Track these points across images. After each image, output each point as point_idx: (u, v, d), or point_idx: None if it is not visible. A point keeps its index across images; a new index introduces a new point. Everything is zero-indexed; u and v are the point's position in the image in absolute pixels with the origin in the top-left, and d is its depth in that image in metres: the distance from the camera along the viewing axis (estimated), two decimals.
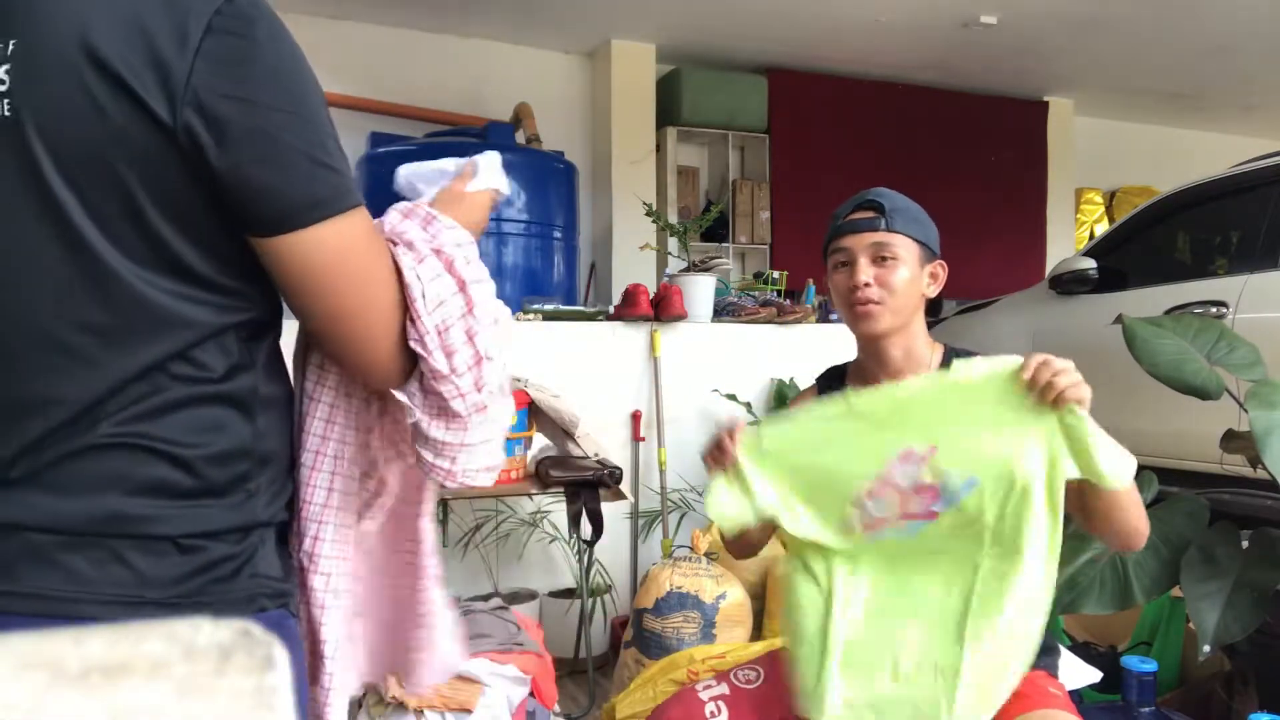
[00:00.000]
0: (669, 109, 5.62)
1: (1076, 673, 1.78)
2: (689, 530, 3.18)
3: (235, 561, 0.76)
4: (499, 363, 0.86)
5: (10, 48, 0.67)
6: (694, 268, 3.57)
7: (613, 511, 3.04)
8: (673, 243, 3.96)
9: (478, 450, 0.88)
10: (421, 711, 1.84)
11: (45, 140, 0.67)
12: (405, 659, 1.00)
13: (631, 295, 3.35)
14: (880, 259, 1.45)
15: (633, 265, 5.20)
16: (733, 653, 2.29)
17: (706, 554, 2.77)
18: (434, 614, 0.99)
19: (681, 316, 3.36)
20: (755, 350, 3.55)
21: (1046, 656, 1.48)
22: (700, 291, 3.46)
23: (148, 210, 0.70)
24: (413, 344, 0.80)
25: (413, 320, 0.80)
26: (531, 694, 1.97)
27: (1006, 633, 1.21)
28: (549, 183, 4.59)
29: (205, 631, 0.31)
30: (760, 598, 2.86)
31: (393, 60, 5.11)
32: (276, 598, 0.81)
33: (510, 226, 4.39)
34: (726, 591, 2.64)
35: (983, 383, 1.22)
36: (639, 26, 5.25)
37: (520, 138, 4.88)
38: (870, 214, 1.47)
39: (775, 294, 3.99)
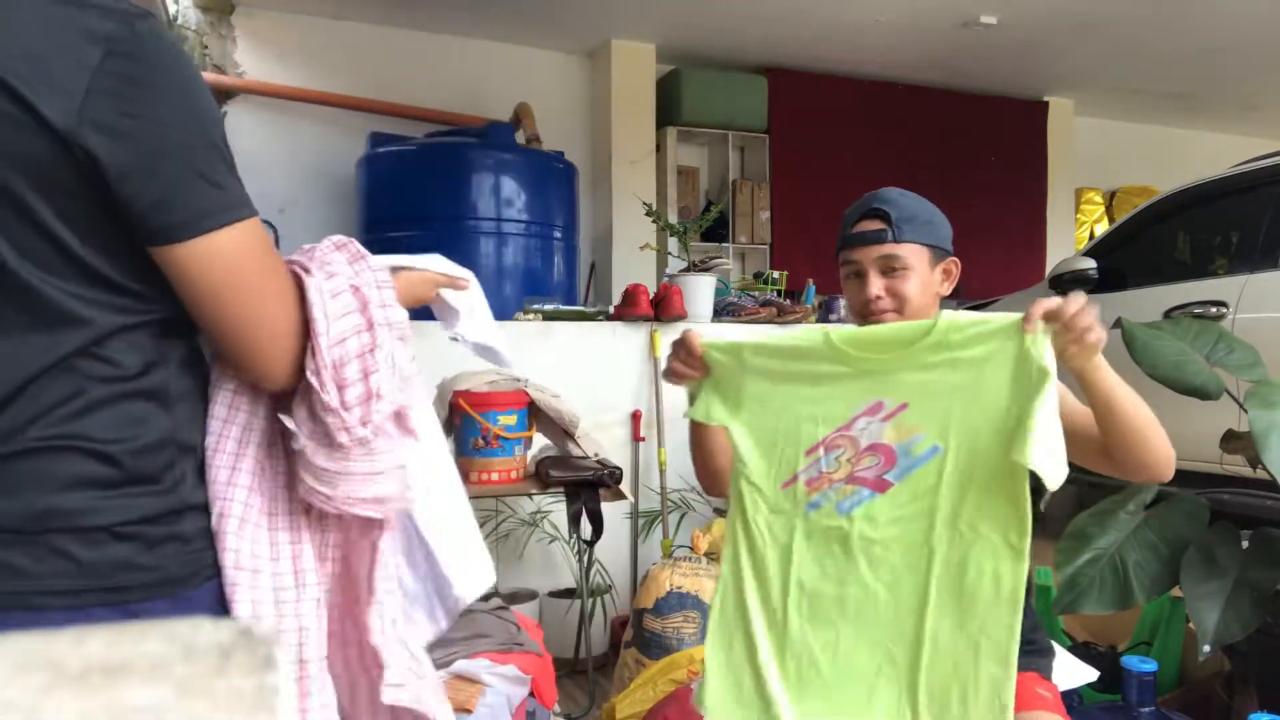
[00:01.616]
0: (669, 109, 5.62)
1: (1073, 672, 1.77)
2: (689, 530, 3.18)
3: (174, 542, 0.81)
4: (388, 402, 0.88)
5: None
6: (694, 268, 3.57)
7: (613, 511, 3.04)
8: (673, 243, 3.96)
9: (358, 481, 0.89)
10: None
11: None
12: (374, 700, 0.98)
13: (631, 295, 3.35)
14: (890, 270, 1.45)
15: (633, 265, 5.20)
16: None
17: (706, 554, 2.77)
18: (382, 660, 0.96)
19: (681, 316, 3.36)
20: None
21: (1040, 658, 1.48)
22: (700, 291, 3.46)
23: (45, 217, 0.73)
24: (309, 374, 0.84)
25: (312, 352, 0.84)
26: (531, 694, 1.97)
27: (973, 636, 1.09)
28: (549, 183, 4.59)
29: (205, 631, 0.31)
30: None
31: (393, 60, 5.11)
32: (219, 570, 0.85)
33: (510, 226, 4.39)
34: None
35: (973, 336, 1.11)
36: (639, 26, 5.25)
37: (520, 138, 4.88)
38: (877, 224, 1.46)
39: (775, 294, 3.99)
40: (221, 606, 0.85)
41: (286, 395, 0.90)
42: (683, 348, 1.33)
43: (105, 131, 0.72)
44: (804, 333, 1.24)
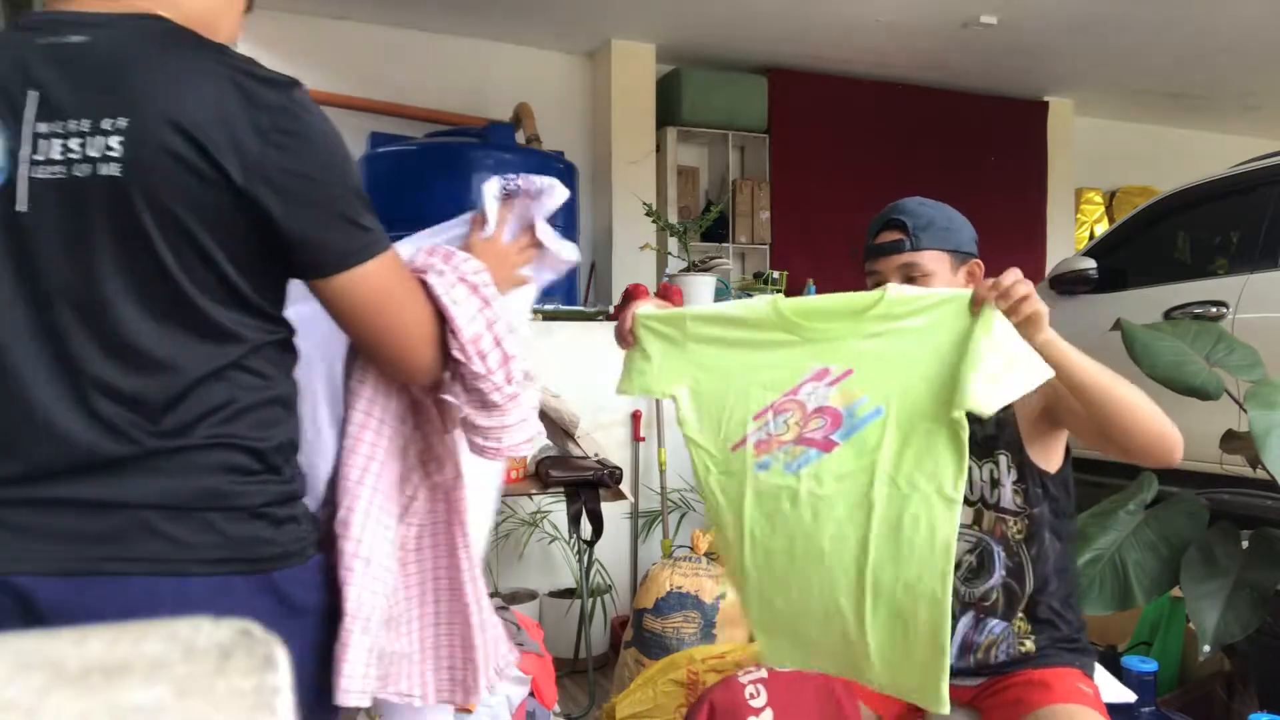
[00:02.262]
0: (669, 109, 5.62)
1: (1110, 689, 1.74)
2: (689, 530, 3.18)
3: (291, 523, 0.98)
4: (520, 359, 1.08)
5: (122, 124, 0.86)
6: (694, 268, 3.57)
7: (613, 511, 3.04)
8: (673, 243, 3.96)
9: (515, 429, 1.11)
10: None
11: (146, 198, 0.86)
12: (461, 671, 1.18)
13: (631, 295, 3.35)
14: (911, 278, 1.49)
15: (633, 265, 5.20)
16: (733, 653, 2.29)
17: (706, 554, 2.77)
18: (474, 630, 1.16)
19: None
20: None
21: (1083, 656, 1.50)
22: (700, 291, 3.46)
23: (216, 255, 0.90)
24: (455, 353, 1.02)
25: (453, 334, 1.02)
26: (531, 694, 1.97)
27: (910, 583, 1.13)
28: None
29: (205, 631, 0.31)
30: None
31: (393, 60, 5.11)
32: (318, 546, 1.03)
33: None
34: (726, 591, 2.64)
35: (919, 308, 1.17)
36: (639, 26, 5.25)
37: (520, 138, 4.88)
38: (896, 235, 1.50)
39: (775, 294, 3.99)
40: (321, 580, 1.03)
41: (419, 414, 1.13)
42: (619, 323, 1.39)
43: (273, 187, 0.89)
44: (752, 301, 1.29)
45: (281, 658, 0.31)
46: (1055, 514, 1.49)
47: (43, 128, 0.87)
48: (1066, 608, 1.49)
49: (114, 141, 0.85)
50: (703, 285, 3.47)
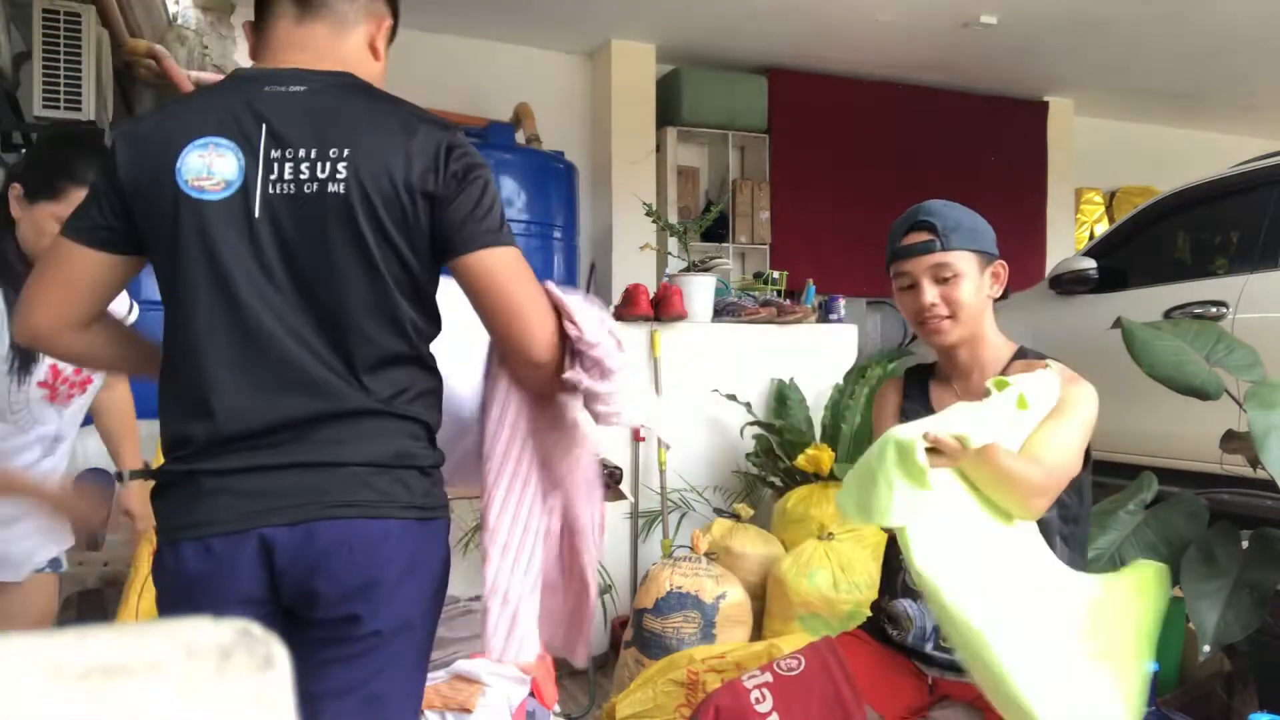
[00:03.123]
0: (669, 109, 5.62)
1: None
2: (689, 530, 3.18)
3: (439, 486, 1.24)
4: (621, 340, 1.28)
5: (346, 154, 1.13)
6: (694, 268, 3.57)
7: (613, 511, 3.03)
8: (673, 243, 3.96)
9: (630, 398, 1.27)
10: (422, 711, 1.84)
11: (364, 209, 1.12)
12: (568, 633, 1.43)
13: (631, 295, 3.35)
14: (942, 279, 1.52)
15: (633, 265, 5.20)
16: (733, 653, 2.29)
17: (706, 554, 2.77)
18: (586, 602, 1.40)
19: (681, 316, 3.36)
20: (755, 350, 3.55)
21: None
22: (700, 291, 3.46)
23: (405, 253, 1.15)
24: (569, 328, 1.20)
25: (570, 320, 1.20)
26: (531, 694, 1.97)
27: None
28: (549, 183, 4.59)
29: (205, 631, 0.31)
30: (760, 598, 2.85)
31: (393, 60, 5.06)
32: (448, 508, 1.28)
33: (510, 226, 4.40)
34: (726, 591, 2.64)
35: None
36: (639, 26, 5.25)
37: (520, 138, 4.88)
38: (925, 236, 1.53)
39: (775, 294, 3.99)
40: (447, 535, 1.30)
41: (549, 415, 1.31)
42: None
43: (445, 199, 1.15)
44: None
45: (281, 657, 0.31)
46: (1064, 519, 1.49)
47: (274, 153, 1.12)
48: None
49: (341, 167, 1.12)
50: (703, 285, 3.47)
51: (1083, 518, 1.54)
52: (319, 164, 1.12)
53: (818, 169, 5.97)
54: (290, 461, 1.12)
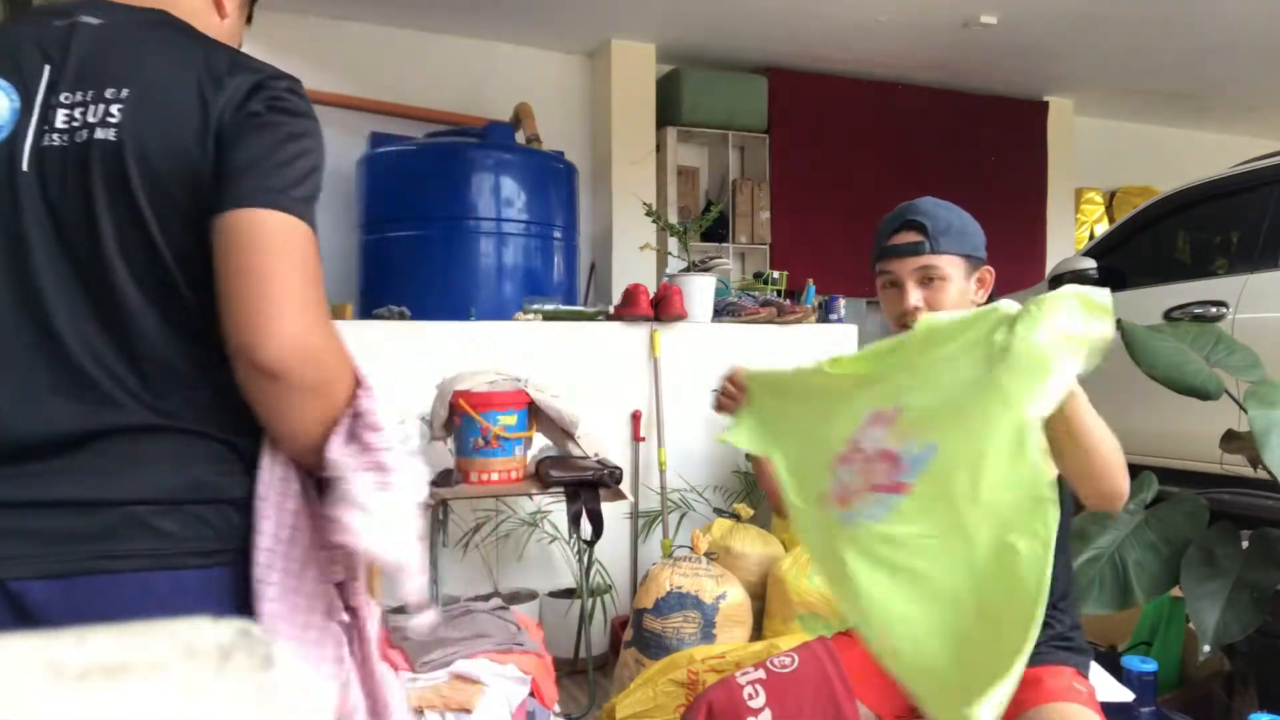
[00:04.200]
0: (669, 109, 5.62)
1: (1104, 688, 1.74)
2: (689, 530, 3.18)
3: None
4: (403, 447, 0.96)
5: (126, 93, 0.92)
6: (694, 268, 3.57)
7: (613, 511, 3.04)
8: (673, 243, 3.96)
9: (393, 521, 0.93)
10: (421, 711, 1.84)
11: (138, 167, 0.90)
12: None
13: (631, 295, 3.35)
14: (927, 281, 1.49)
15: (633, 265, 5.20)
16: (733, 653, 2.29)
17: (706, 554, 2.77)
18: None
19: (681, 316, 3.36)
20: (755, 350, 3.55)
21: (1078, 655, 1.49)
22: (700, 291, 3.46)
23: (195, 221, 0.91)
24: (363, 400, 0.93)
25: (367, 394, 0.93)
26: (531, 694, 1.97)
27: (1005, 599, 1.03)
28: (549, 183, 4.59)
29: (205, 631, 0.31)
30: (760, 598, 2.86)
31: (393, 60, 5.11)
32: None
33: (510, 226, 4.39)
34: (726, 591, 2.64)
35: (950, 332, 1.15)
36: (639, 26, 5.25)
37: (520, 138, 4.88)
38: (914, 236, 1.50)
39: (775, 294, 3.99)
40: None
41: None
42: (728, 377, 1.49)
43: (228, 146, 0.92)
44: (805, 366, 1.39)
45: (281, 657, 0.31)
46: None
47: (53, 98, 0.92)
48: (1060, 607, 1.49)
49: (115, 109, 0.91)
50: (703, 285, 3.47)
51: (1068, 512, 1.51)
52: (92, 107, 0.91)
53: (818, 169, 5.97)
54: (47, 498, 0.87)
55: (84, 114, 0.91)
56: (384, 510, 0.91)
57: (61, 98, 0.92)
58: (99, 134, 0.90)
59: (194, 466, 0.91)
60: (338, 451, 0.90)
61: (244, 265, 0.86)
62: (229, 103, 0.91)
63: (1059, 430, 1.17)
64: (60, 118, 0.91)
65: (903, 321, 1.53)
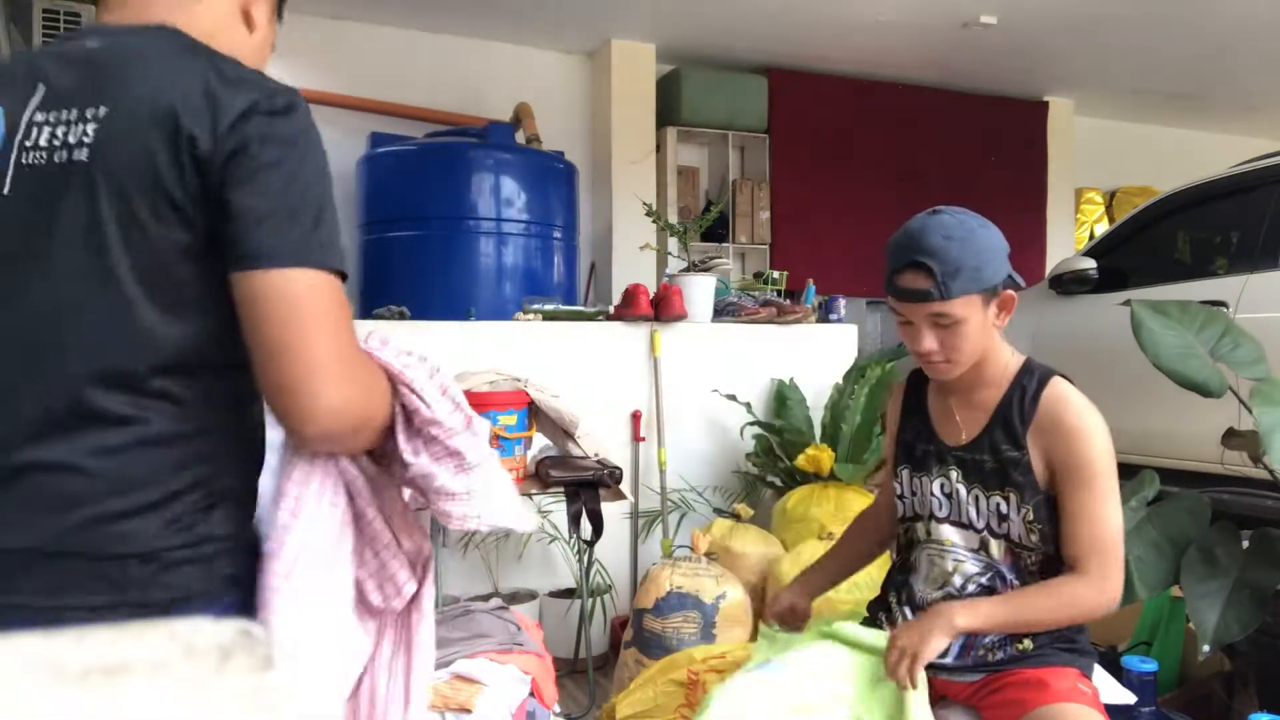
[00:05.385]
0: (669, 109, 5.62)
1: (1106, 690, 1.74)
2: (689, 530, 3.18)
3: (182, 572, 0.92)
4: (463, 412, 1.00)
5: (104, 111, 0.88)
6: (694, 268, 3.57)
7: (613, 511, 3.04)
8: (673, 243, 3.96)
9: (494, 490, 1.00)
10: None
11: (103, 180, 0.86)
12: None
13: (631, 295, 3.35)
14: (941, 325, 1.43)
15: (633, 265, 5.20)
16: (733, 653, 2.29)
17: (706, 554, 2.77)
18: None
19: (681, 316, 3.36)
20: (755, 350, 3.55)
21: (1082, 657, 1.49)
22: (700, 291, 3.46)
23: (167, 253, 0.88)
24: (409, 398, 0.95)
25: (409, 389, 0.95)
26: (531, 694, 1.97)
27: None
28: (549, 183, 4.59)
29: (205, 631, 0.31)
30: (760, 598, 2.85)
31: (393, 60, 5.11)
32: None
33: (510, 226, 4.39)
34: (726, 591, 2.64)
35: (869, 647, 1.46)
36: (639, 26, 5.25)
37: (520, 138, 4.88)
38: (923, 283, 1.40)
39: (775, 294, 3.99)
40: None
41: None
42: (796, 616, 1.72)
43: (229, 179, 0.88)
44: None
45: (281, 657, 0.31)
46: (1022, 570, 1.49)
47: (39, 117, 0.90)
48: None
49: (91, 129, 0.87)
50: (703, 285, 3.47)
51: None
52: (73, 126, 0.88)
53: (818, 169, 5.97)
54: None
55: (65, 133, 0.88)
56: (477, 488, 0.96)
57: (49, 117, 0.90)
58: (75, 154, 0.87)
59: (96, 503, 0.87)
60: (411, 456, 0.94)
61: (280, 342, 0.84)
62: (220, 122, 0.86)
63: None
64: (44, 137, 0.89)
65: (922, 361, 1.50)
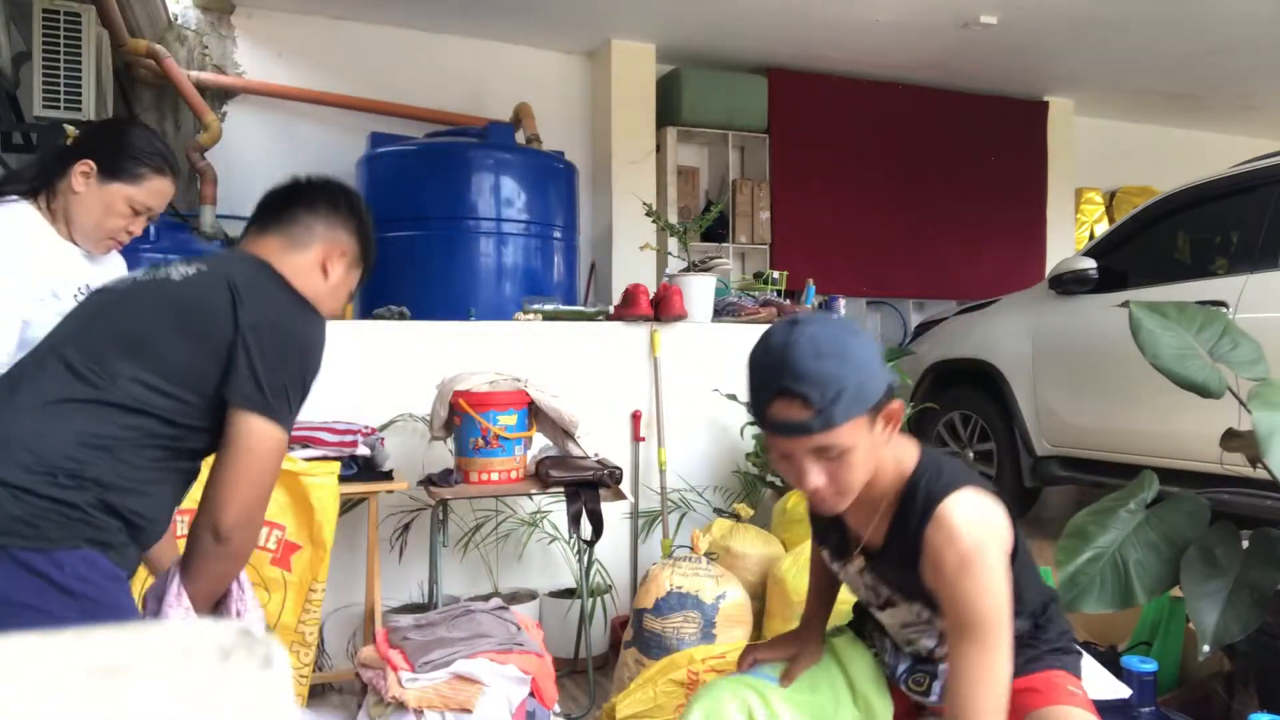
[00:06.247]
0: (669, 109, 5.62)
1: (1101, 685, 1.73)
2: (689, 530, 3.18)
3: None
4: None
5: (196, 270, 1.34)
6: (694, 268, 3.57)
7: (613, 511, 3.04)
8: (673, 243, 3.96)
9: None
10: (421, 711, 1.84)
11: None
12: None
13: (631, 295, 3.35)
14: (828, 457, 1.24)
15: (633, 265, 5.20)
16: (733, 653, 2.29)
17: (706, 554, 2.77)
18: None
19: (681, 316, 3.36)
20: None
21: (1066, 656, 1.49)
22: (700, 291, 3.46)
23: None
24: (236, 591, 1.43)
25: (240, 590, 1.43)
26: (531, 694, 1.97)
27: None
28: (549, 183, 4.59)
29: (205, 631, 0.31)
30: (760, 598, 2.85)
31: (393, 60, 5.11)
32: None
33: (510, 226, 4.39)
34: (726, 591, 2.64)
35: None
36: (639, 26, 5.25)
37: (520, 138, 4.88)
38: (800, 414, 1.20)
39: (775, 294, 3.99)
40: None
41: None
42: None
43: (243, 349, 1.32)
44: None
45: (280, 657, 0.31)
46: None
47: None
48: (1041, 622, 1.47)
49: (194, 269, 1.35)
50: (703, 285, 3.47)
51: (1022, 588, 1.37)
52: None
53: (818, 169, 5.97)
54: None
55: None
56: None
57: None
58: None
59: None
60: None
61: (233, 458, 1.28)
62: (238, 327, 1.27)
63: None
64: None
65: (808, 498, 1.33)
